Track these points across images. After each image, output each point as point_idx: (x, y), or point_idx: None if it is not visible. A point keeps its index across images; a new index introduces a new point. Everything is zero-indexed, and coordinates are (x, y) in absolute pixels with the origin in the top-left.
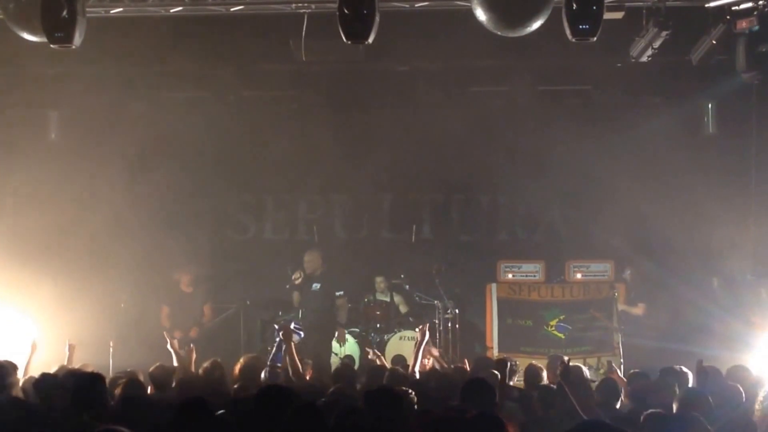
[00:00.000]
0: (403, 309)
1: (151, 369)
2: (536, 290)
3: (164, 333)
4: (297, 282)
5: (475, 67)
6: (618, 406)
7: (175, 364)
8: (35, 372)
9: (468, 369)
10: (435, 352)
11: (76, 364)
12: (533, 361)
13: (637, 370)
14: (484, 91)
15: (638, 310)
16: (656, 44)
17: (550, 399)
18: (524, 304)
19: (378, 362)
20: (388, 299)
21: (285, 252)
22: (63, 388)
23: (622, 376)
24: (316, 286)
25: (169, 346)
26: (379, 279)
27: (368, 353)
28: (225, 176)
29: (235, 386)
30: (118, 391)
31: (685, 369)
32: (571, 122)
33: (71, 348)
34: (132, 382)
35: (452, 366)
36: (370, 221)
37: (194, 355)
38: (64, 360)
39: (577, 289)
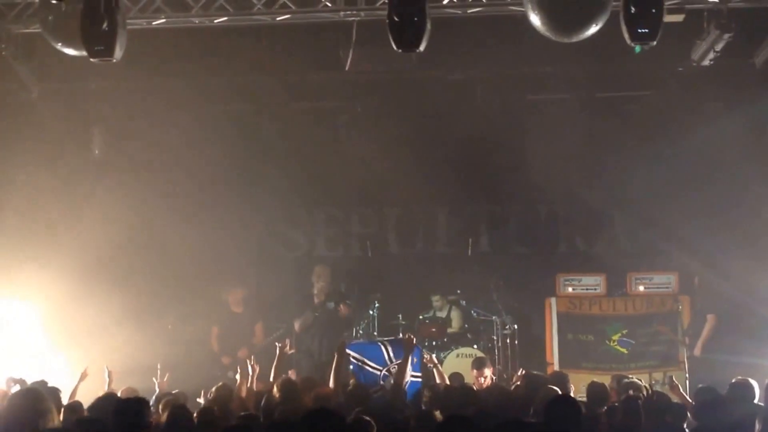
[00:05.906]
0: (458, 325)
1: (213, 390)
2: (597, 304)
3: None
4: (316, 300)
5: (530, 74)
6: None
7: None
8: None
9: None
10: (488, 371)
11: (118, 389)
12: (595, 379)
13: (702, 386)
14: (540, 99)
15: (709, 323)
16: (718, 47)
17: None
18: (585, 319)
19: (436, 371)
20: (444, 316)
21: (338, 269)
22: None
23: (686, 391)
24: (330, 305)
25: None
26: (435, 296)
27: (426, 359)
28: (273, 191)
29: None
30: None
31: (752, 382)
32: (631, 129)
33: (110, 375)
34: (178, 408)
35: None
36: (425, 235)
37: (258, 369)
38: (104, 386)
39: (640, 302)
